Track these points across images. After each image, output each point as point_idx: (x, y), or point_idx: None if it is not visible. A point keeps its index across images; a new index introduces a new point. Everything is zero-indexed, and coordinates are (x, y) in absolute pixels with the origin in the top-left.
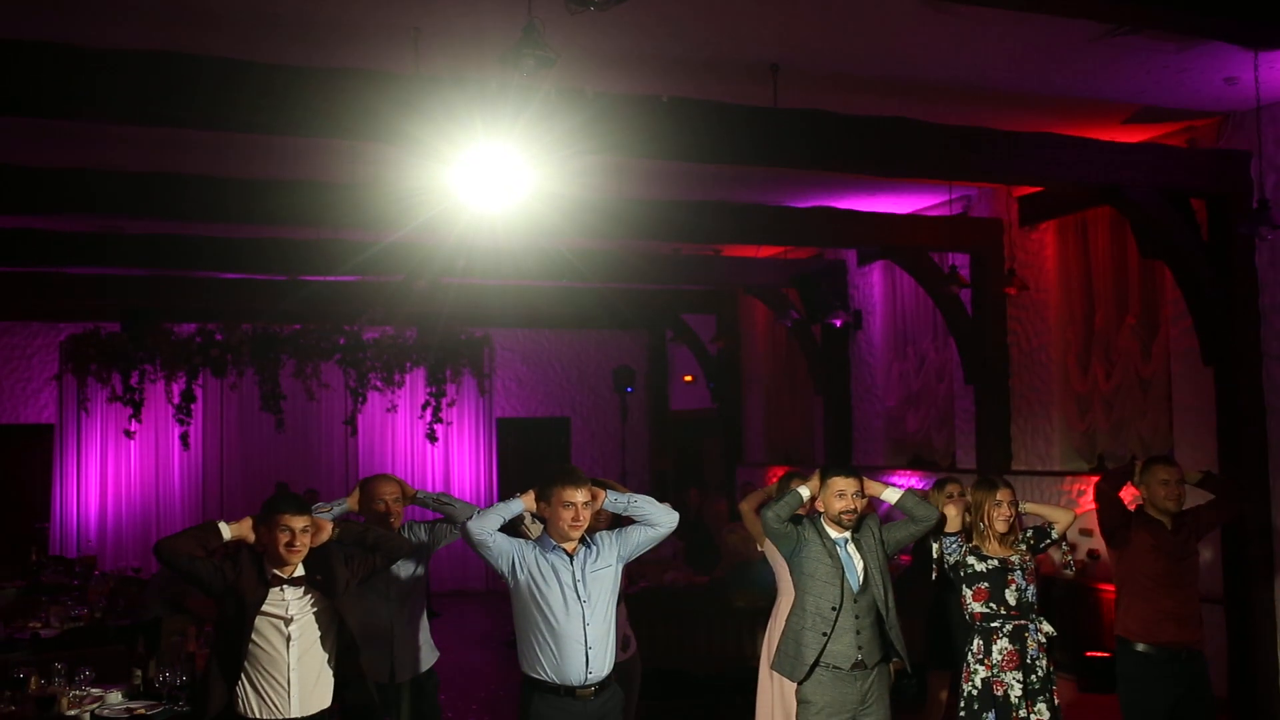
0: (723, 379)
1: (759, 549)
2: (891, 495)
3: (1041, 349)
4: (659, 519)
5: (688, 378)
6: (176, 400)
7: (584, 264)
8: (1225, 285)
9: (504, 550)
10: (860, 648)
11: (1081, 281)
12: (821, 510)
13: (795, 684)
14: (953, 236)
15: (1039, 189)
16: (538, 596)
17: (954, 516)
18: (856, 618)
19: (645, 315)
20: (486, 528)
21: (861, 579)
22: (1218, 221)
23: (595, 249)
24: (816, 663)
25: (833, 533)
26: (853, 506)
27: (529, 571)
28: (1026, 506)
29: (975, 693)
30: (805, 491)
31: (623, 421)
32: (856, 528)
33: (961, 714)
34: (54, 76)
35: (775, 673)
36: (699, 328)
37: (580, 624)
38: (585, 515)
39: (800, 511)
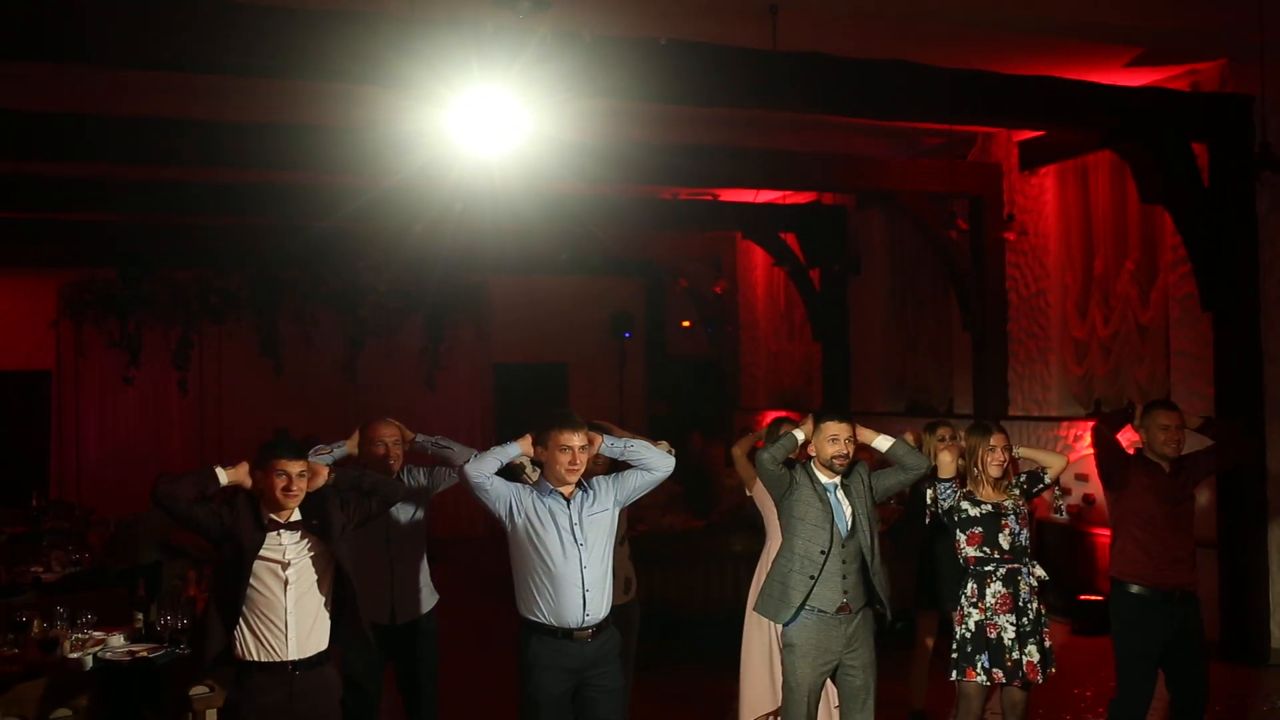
0: (721, 324)
1: (747, 493)
2: (883, 443)
3: (1040, 294)
4: (655, 463)
5: (685, 323)
6: (174, 346)
7: (581, 209)
8: (1225, 231)
9: (501, 494)
10: (846, 592)
11: (1081, 226)
12: (813, 455)
13: (781, 626)
14: (952, 181)
15: (1040, 133)
16: (535, 540)
17: (948, 463)
18: (844, 562)
19: (643, 260)
20: (484, 471)
21: (850, 524)
22: (1219, 166)
23: (593, 194)
24: (802, 606)
25: (823, 478)
26: (845, 451)
27: (526, 515)
28: (1020, 451)
29: (969, 635)
30: (800, 434)
31: (620, 367)
32: (846, 473)
33: (954, 655)
34: (46, 20)
35: (760, 616)
36: (697, 273)
37: (578, 567)
38: (582, 459)
39: (792, 456)
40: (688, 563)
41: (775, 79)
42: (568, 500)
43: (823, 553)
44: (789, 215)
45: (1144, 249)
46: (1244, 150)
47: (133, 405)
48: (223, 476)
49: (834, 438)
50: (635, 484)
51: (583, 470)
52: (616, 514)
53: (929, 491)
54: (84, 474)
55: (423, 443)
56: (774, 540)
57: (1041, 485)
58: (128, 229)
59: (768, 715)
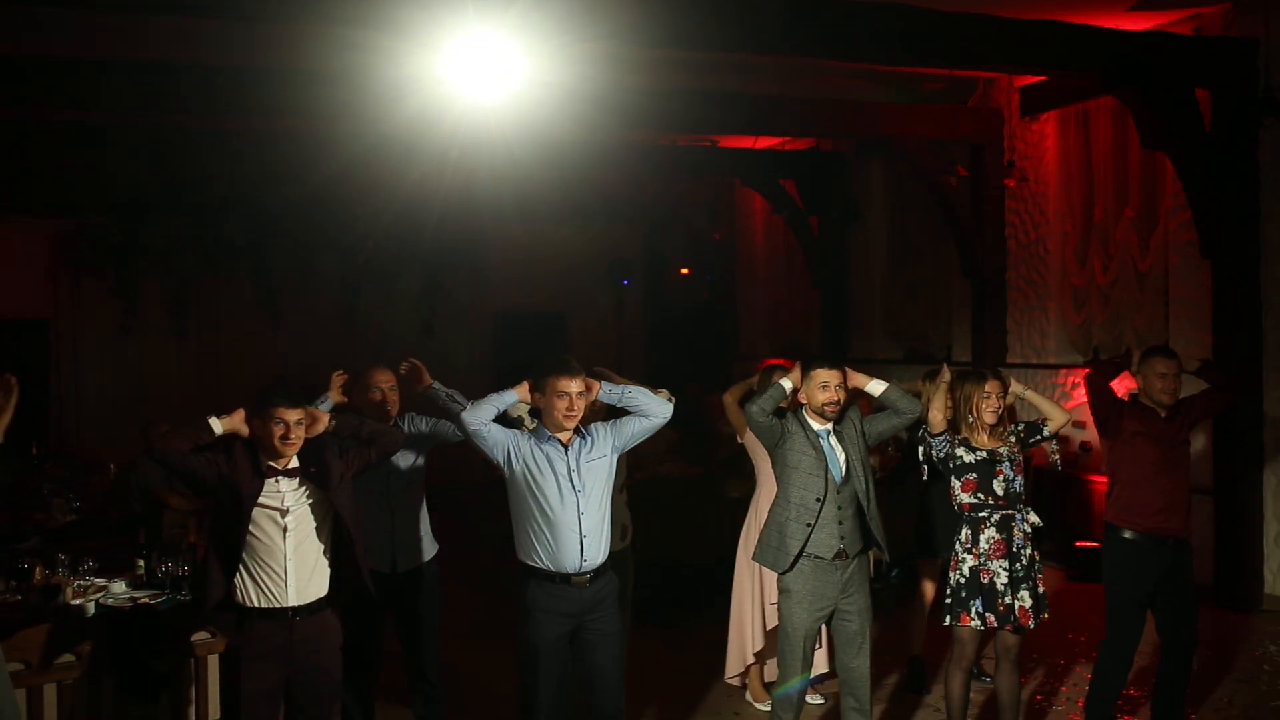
0: (719, 272)
1: (739, 440)
2: (875, 388)
3: (1039, 241)
4: (654, 410)
5: (684, 270)
6: (172, 295)
7: (579, 155)
8: (1226, 177)
9: (499, 440)
10: (843, 538)
11: (1081, 173)
12: (804, 402)
13: (777, 574)
14: (953, 127)
15: (1041, 78)
16: (533, 486)
17: (938, 421)
18: (839, 508)
19: (641, 207)
20: (481, 418)
21: (844, 470)
22: (1221, 112)
23: (591, 140)
24: (801, 554)
25: (815, 425)
26: (836, 398)
27: (524, 462)
28: (1027, 394)
29: (963, 581)
30: (787, 383)
31: (619, 314)
32: (839, 419)
33: (948, 601)
34: None
35: (756, 564)
36: (696, 220)
37: (575, 513)
38: (579, 405)
39: (783, 404)
40: (685, 509)
41: (770, 23)
42: (565, 447)
43: (818, 500)
44: (788, 161)
45: (1144, 196)
46: (1247, 95)
47: (132, 354)
48: (217, 426)
49: (824, 385)
50: (633, 430)
51: (580, 416)
52: (615, 460)
53: (921, 449)
54: (83, 423)
55: (437, 391)
56: (764, 488)
57: (1039, 437)
58: (124, 176)
59: (752, 664)
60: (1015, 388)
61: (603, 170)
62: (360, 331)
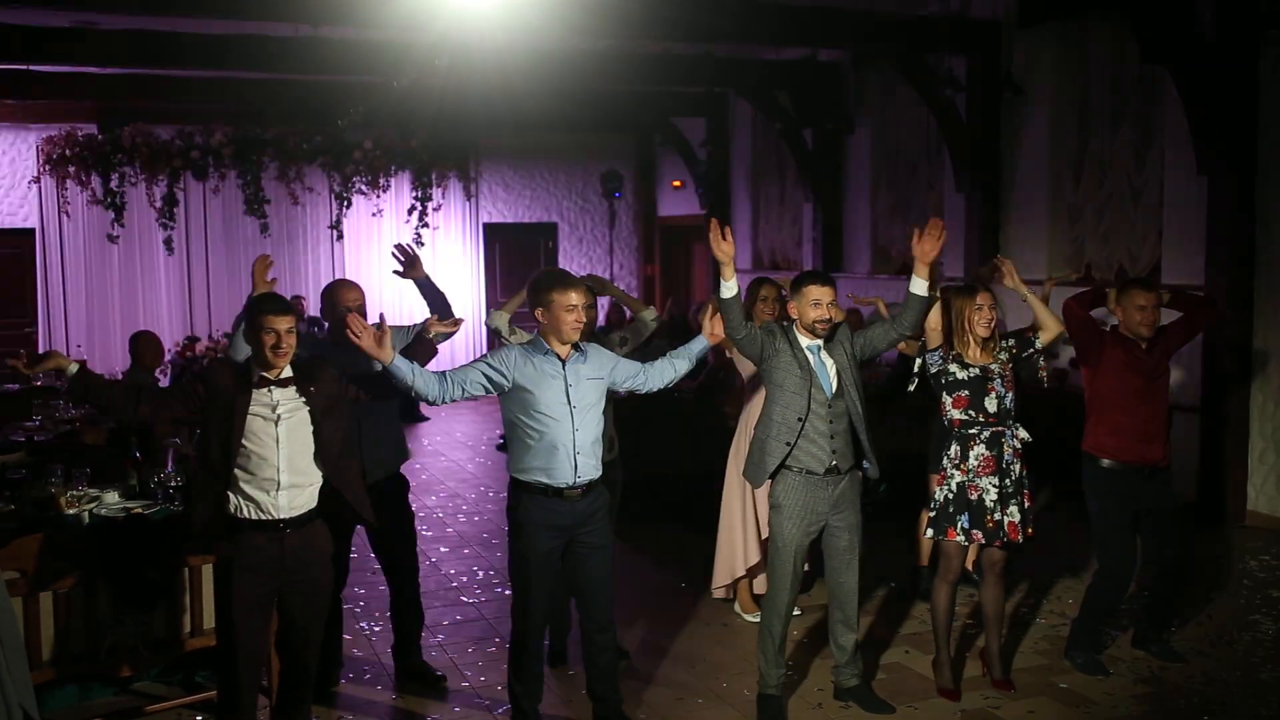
0: (712, 184)
1: (727, 354)
2: (919, 285)
3: (1034, 157)
4: (656, 382)
5: (676, 183)
6: (159, 204)
7: (572, 65)
8: (1226, 91)
9: (477, 381)
10: (834, 453)
11: (1079, 86)
12: (796, 317)
13: (769, 489)
14: (950, 38)
15: None
16: (529, 402)
17: (934, 332)
18: (830, 423)
19: (634, 119)
20: (449, 394)
21: (835, 385)
22: (1225, 23)
23: (583, 49)
24: (781, 468)
25: (805, 340)
26: (827, 316)
27: (516, 380)
28: (1030, 297)
29: (950, 496)
30: (727, 291)
31: (610, 227)
32: (829, 336)
33: (934, 515)
34: None
35: (745, 479)
36: (689, 132)
37: (570, 429)
38: (583, 316)
39: (771, 317)
40: (677, 425)
41: None
42: (564, 362)
43: (799, 419)
44: (782, 72)
45: (1142, 110)
46: (1250, 6)
47: (119, 263)
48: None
49: (816, 302)
50: (628, 378)
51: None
52: (608, 386)
53: (918, 360)
54: (72, 333)
55: (430, 282)
56: (753, 402)
57: (1031, 350)
58: (109, 81)
59: (742, 577)
60: (1020, 288)
61: (596, 80)
62: (350, 243)
